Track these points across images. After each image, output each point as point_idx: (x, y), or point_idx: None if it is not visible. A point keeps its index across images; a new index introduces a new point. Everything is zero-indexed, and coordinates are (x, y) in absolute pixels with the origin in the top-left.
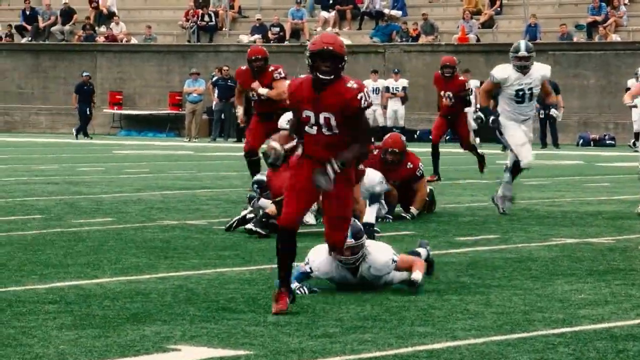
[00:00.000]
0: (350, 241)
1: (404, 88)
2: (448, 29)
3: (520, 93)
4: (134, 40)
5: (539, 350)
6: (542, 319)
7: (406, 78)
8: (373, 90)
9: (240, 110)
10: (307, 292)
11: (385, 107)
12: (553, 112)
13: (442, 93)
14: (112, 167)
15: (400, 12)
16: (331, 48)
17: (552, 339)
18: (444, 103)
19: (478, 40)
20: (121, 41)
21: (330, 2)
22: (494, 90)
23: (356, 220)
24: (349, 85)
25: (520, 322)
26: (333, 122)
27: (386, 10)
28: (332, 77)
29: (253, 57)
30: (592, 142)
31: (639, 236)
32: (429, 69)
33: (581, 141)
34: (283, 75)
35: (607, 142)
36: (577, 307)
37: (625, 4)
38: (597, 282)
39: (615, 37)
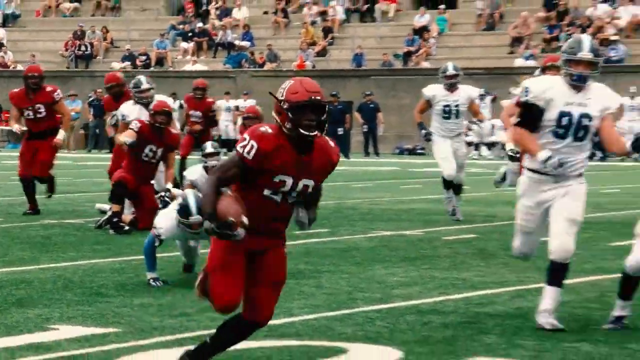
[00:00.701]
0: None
1: None
2: (289, 57)
3: (447, 109)
4: (20, 67)
5: (360, 324)
6: (363, 298)
7: (254, 99)
8: (227, 109)
9: (15, 126)
10: (160, 284)
11: (235, 123)
12: (473, 126)
13: (190, 112)
14: (1, 175)
15: (248, 43)
16: (318, 98)
17: (370, 314)
18: (190, 122)
19: (314, 66)
20: (9, 68)
21: (190, 35)
22: (426, 108)
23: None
24: (330, 143)
25: (345, 301)
26: (310, 189)
27: (237, 42)
28: (317, 133)
29: (29, 74)
30: (406, 151)
31: (443, 228)
32: (273, 91)
33: (398, 150)
34: (61, 95)
35: (419, 151)
36: (392, 288)
37: (434, 37)
38: (408, 267)
39: (425, 64)
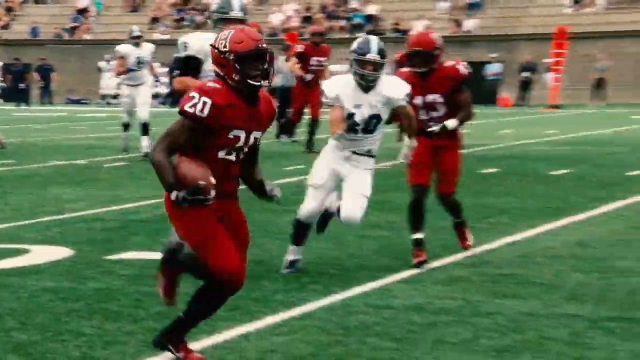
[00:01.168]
0: None
1: None
2: None
3: (138, 60)
4: None
5: (40, 230)
6: (42, 211)
7: None
8: None
9: None
10: None
11: None
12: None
13: None
14: None
15: None
16: (265, 46)
17: (48, 223)
18: None
19: (0, 37)
20: None
21: None
22: (124, 65)
23: None
24: (266, 93)
25: (28, 214)
26: (257, 141)
27: None
28: (263, 83)
29: None
30: (73, 102)
31: (103, 158)
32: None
33: (67, 100)
34: None
35: (83, 101)
36: (65, 203)
37: (93, 16)
38: (77, 187)
39: (87, 37)
